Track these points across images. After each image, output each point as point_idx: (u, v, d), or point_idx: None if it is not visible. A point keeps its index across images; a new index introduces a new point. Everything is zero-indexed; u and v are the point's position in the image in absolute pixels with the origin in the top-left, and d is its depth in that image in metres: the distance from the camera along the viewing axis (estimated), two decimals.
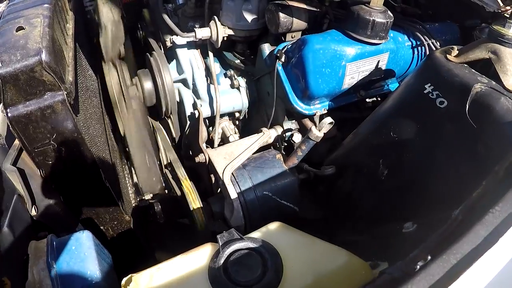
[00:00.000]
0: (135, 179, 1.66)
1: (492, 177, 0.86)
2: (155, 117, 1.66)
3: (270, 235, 0.89)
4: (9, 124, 0.98)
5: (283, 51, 1.35)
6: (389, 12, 1.32)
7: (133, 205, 1.54)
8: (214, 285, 0.80)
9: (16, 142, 1.13)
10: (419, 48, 1.48)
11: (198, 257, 0.86)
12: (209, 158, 1.33)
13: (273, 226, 0.92)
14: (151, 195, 1.60)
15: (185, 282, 0.82)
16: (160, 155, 1.61)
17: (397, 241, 1.14)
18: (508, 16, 1.51)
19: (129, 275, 0.82)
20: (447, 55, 1.18)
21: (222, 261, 0.80)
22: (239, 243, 0.83)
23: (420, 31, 1.47)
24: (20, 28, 0.95)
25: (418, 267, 0.56)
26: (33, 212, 1.11)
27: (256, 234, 0.90)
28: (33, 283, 0.88)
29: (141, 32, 1.74)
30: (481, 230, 0.64)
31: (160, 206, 1.55)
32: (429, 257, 0.57)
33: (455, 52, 1.18)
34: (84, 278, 0.92)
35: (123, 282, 0.82)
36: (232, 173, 1.31)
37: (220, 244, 0.84)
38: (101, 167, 1.13)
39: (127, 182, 1.60)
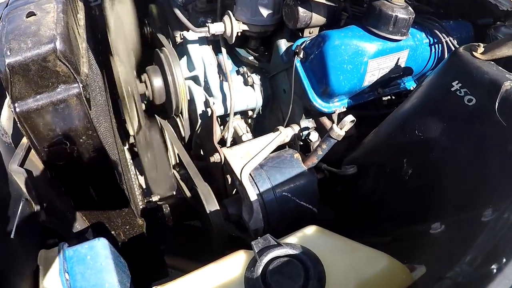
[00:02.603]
0: (141, 180, 1.58)
1: None
2: (163, 116, 1.59)
3: (308, 240, 0.84)
4: (16, 120, 0.90)
5: (301, 47, 1.30)
6: (410, 8, 1.29)
7: (141, 207, 1.47)
8: None
9: (24, 140, 1.05)
10: (437, 45, 1.45)
11: (232, 266, 0.80)
12: (225, 157, 1.27)
13: (310, 230, 0.87)
14: (159, 196, 1.53)
15: None
16: (168, 154, 1.54)
17: (425, 242, 1.10)
18: None
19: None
20: (473, 52, 1.15)
21: (260, 270, 0.74)
22: (278, 250, 0.77)
23: (438, 28, 1.44)
24: (31, 14, 0.86)
25: (494, 270, 0.51)
26: (42, 218, 1.02)
27: (292, 239, 0.85)
28: None
29: (148, 27, 1.67)
30: None
31: (168, 208, 1.49)
32: (504, 260, 0.52)
33: (481, 49, 1.15)
34: None
35: None
36: (250, 174, 1.25)
37: (256, 251, 0.78)
38: (115, 169, 1.06)
39: (134, 183, 1.53)
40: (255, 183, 1.24)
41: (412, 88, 1.53)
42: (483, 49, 1.16)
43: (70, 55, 0.85)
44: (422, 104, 1.19)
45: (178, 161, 1.53)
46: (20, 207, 0.97)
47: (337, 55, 1.23)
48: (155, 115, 1.61)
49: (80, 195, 1.08)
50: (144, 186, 1.61)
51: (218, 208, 1.23)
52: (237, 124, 1.53)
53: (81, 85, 0.87)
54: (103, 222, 1.16)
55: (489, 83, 1.05)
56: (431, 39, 1.44)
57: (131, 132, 1.44)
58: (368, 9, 1.28)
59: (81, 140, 0.95)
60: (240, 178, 1.22)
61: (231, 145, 1.53)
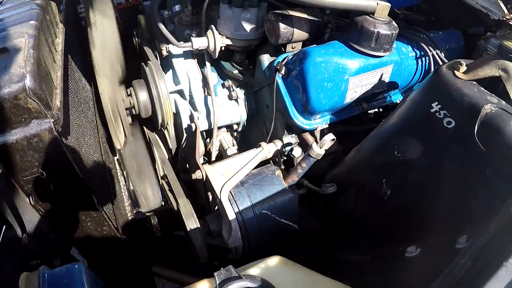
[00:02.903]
0: (131, 190, 1.57)
1: (501, 216, 0.78)
2: (152, 128, 1.57)
3: (270, 272, 0.82)
4: None
5: (283, 63, 1.26)
6: (393, 23, 1.23)
7: (129, 218, 1.46)
8: None
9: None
10: (423, 58, 1.39)
11: None
12: (206, 175, 1.24)
13: (273, 261, 0.85)
14: (148, 207, 1.52)
15: None
16: (156, 166, 1.52)
17: (399, 266, 1.07)
18: None
19: None
20: (455, 71, 1.09)
21: None
22: (238, 283, 0.75)
23: (424, 40, 1.38)
24: (3, 51, 0.85)
25: None
26: (24, 241, 1.02)
27: (255, 271, 0.83)
28: None
29: (136, 39, 1.63)
30: None
31: (156, 219, 1.48)
32: None
33: (463, 68, 1.10)
34: None
35: None
36: (230, 191, 1.23)
37: (218, 282, 0.76)
38: (93, 190, 1.05)
39: (123, 194, 1.52)
40: (234, 201, 1.22)
41: (398, 101, 1.48)
42: (466, 67, 1.11)
43: (40, 92, 0.84)
44: (402, 124, 1.14)
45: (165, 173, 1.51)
46: (2, 232, 0.96)
47: (317, 73, 1.18)
48: (144, 127, 1.59)
49: (60, 218, 1.07)
50: (136, 198, 1.60)
51: (198, 226, 1.21)
52: (223, 137, 1.50)
53: (52, 120, 0.87)
54: (84, 240, 1.15)
55: (469, 106, 1.00)
56: (418, 52, 1.38)
57: (117, 146, 1.43)
58: (350, 24, 1.23)
59: (56, 169, 0.95)
60: (219, 197, 1.20)
61: (217, 157, 1.51)
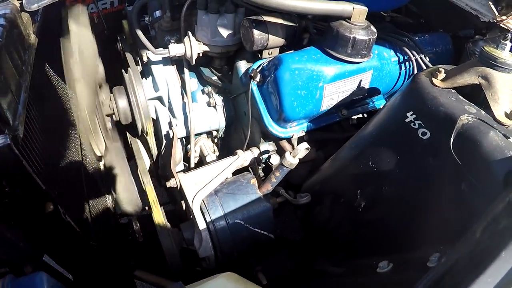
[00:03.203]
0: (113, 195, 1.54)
1: (468, 239, 0.71)
2: (135, 134, 1.53)
3: None
4: None
5: (257, 70, 1.19)
6: (372, 27, 1.15)
7: (109, 224, 1.43)
8: None
9: None
10: (407, 63, 1.31)
11: None
12: (180, 183, 1.20)
13: (223, 279, 0.79)
14: (130, 212, 1.48)
15: None
16: (138, 172, 1.48)
17: (372, 281, 1.00)
18: (504, 26, 1.33)
19: None
20: (433, 78, 1.01)
21: None
22: None
23: (408, 45, 1.29)
24: None
25: None
26: None
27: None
28: None
29: (120, 44, 1.59)
30: None
31: (138, 225, 1.45)
32: None
33: (441, 75, 1.01)
34: None
35: None
36: (202, 200, 1.18)
37: None
38: (61, 200, 1.01)
39: (107, 200, 1.49)
40: (207, 210, 1.17)
41: (381, 107, 1.40)
42: (444, 75, 1.03)
43: None
44: (376, 133, 1.07)
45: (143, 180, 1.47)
46: None
47: (290, 81, 1.12)
48: (127, 133, 1.55)
49: (29, 227, 1.04)
50: (118, 203, 1.56)
51: (170, 235, 1.17)
52: (203, 143, 1.45)
53: (10, 136, 0.83)
54: (55, 248, 1.12)
55: (445, 116, 0.92)
56: (401, 56, 1.30)
57: (98, 153, 1.39)
58: (327, 30, 1.15)
59: (19, 182, 0.91)
60: (191, 206, 1.15)
61: (198, 164, 1.46)
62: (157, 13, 1.45)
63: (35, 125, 1.03)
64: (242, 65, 1.27)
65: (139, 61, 1.50)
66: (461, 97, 0.96)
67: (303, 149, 1.11)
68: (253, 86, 1.20)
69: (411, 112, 0.99)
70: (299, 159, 1.13)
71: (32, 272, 1.10)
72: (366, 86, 1.24)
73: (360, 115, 1.39)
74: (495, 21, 1.35)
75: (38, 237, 1.09)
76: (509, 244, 0.66)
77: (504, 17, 1.34)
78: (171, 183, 1.22)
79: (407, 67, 1.31)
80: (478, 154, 0.87)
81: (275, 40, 1.21)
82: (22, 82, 0.95)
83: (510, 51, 0.94)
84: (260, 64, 1.21)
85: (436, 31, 1.57)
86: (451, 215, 0.92)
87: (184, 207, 1.30)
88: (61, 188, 1.11)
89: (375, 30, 1.15)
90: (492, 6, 1.39)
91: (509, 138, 0.85)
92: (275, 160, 1.30)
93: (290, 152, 1.11)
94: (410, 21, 1.59)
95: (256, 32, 1.17)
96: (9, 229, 1.04)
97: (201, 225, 1.12)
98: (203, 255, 1.14)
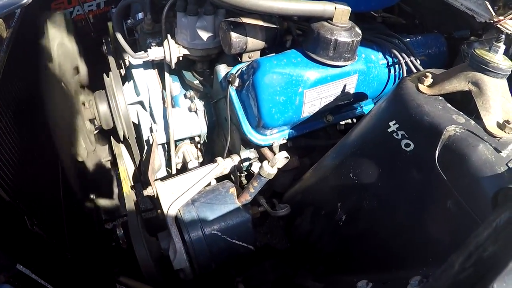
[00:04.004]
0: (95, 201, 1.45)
1: (446, 271, 0.59)
2: (119, 139, 1.44)
3: None
4: None
5: (236, 75, 1.08)
6: (356, 28, 1.02)
7: (87, 232, 1.35)
8: None
9: None
10: (397, 66, 1.18)
11: None
12: (156, 192, 1.10)
13: None
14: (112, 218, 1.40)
15: None
16: (122, 176, 1.39)
17: None
18: (501, 27, 1.19)
19: None
20: (419, 84, 0.88)
21: None
22: None
23: (398, 47, 1.16)
24: None
25: None
26: None
27: None
28: None
29: (104, 47, 1.50)
30: None
31: (122, 231, 1.36)
32: None
33: (428, 80, 0.89)
34: None
35: None
36: (178, 210, 1.08)
37: None
38: (31, 210, 0.93)
39: (89, 205, 1.41)
40: (183, 220, 1.07)
41: None
42: (432, 80, 0.90)
43: None
44: (358, 143, 0.94)
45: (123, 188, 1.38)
46: None
47: (268, 86, 1.01)
48: (111, 138, 1.46)
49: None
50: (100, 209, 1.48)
51: (144, 245, 1.08)
52: (186, 149, 1.35)
53: None
54: (30, 256, 1.04)
55: (429, 127, 0.79)
56: (390, 59, 1.17)
57: (79, 159, 1.31)
58: (308, 31, 1.03)
59: None
60: (166, 216, 1.06)
61: (179, 170, 1.36)
62: (140, 15, 1.35)
63: (6, 133, 0.95)
64: (222, 69, 1.16)
65: (122, 64, 1.40)
66: (449, 105, 0.84)
67: (281, 158, 1.00)
68: (232, 91, 1.10)
69: (394, 121, 0.86)
70: (279, 168, 1.02)
71: (5, 282, 1.02)
72: (352, 91, 1.12)
73: (349, 120, 1.27)
74: (492, 21, 1.21)
75: (7, 246, 1.01)
76: (499, 275, 0.54)
77: (501, 18, 1.20)
78: (147, 191, 1.13)
79: (397, 71, 1.18)
80: (465, 170, 0.75)
81: (255, 43, 1.10)
82: None
83: (504, 54, 0.80)
84: (239, 68, 1.11)
85: (430, 31, 1.43)
86: (435, 234, 0.80)
87: (162, 216, 1.20)
88: (33, 197, 1.02)
89: (359, 32, 1.02)
90: (489, 6, 1.24)
91: (501, 152, 0.73)
92: (256, 167, 1.20)
93: (268, 162, 1.00)
94: (403, 21, 1.45)
95: (234, 35, 1.06)
96: None
97: (176, 235, 1.03)
98: (177, 267, 1.05)
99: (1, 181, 0.88)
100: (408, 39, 1.23)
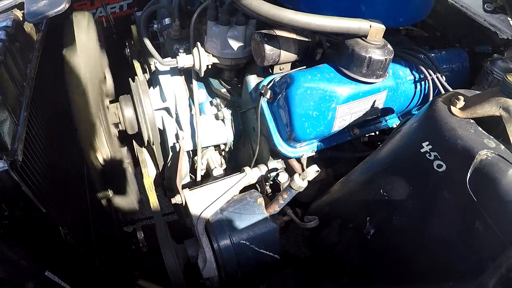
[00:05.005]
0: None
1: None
2: (142, 144, 1.49)
3: None
4: None
5: (268, 87, 1.14)
6: (389, 46, 1.09)
7: (112, 239, 1.40)
8: None
9: None
10: (423, 82, 1.25)
11: None
12: (185, 201, 1.16)
13: None
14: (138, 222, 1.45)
15: None
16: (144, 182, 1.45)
17: None
18: None
19: None
20: (452, 106, 0.95)
21: None
22: None
23: (425, 62, 1.23)
24: None
25: None
26: None
27: None
28: None
29: (128, 50, 1.54)
30: None
31: (142, 234, 1.42)
32: None
33: (460, 103, 0.96)
34: None
35: None
36: (208, 219, 1.14)
37: None
38: (63, 220, 0.98)
39: (110, 207, 1.46)
40: (212, 230, 1.13)
41: (395, 125, 1.34)
42: (464, 103, 0.97)
43: None
44: (389, 160, 1.02)
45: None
46: None
47: (303, 100, 1.07)
48: (134, 142, 1.51)
49: (31, 246, 1.01)
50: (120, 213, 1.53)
51: (173, 253, 1.14)
52: (210, 156, 1.40)
53: (8, 161, 0.79)
54: (57, 264, 1.10)
55: (462, 150, 0.87)
56: (417, 75, 1.24)
57: (101, 161, 1.35)
58: (341, 47, 1.09)
59: (18, 205, 0.88)
60: (195, 225, 1.12)
61: (203, 177, 1.42)
62: (166, 21, 1.40)
63: (37, 143, 1.00)
64: (252, 80, 1.22)
65: (147, 69, 1.45)
66: (480, 129, 0.91)
67: (312, 172, 1.07)
68: (263, 103, 1.16)
69: (427, 142, 0.93)
70: (308, 181, 1.08)
71: None
72: (380, 106, 1.19)
73: (372, 133, 1.34)
74: None
75: (39, 255, 1.06)
76: None
77: None
78: (176, 200, 1.18)
79: (423, 86, 1.25)
80: (495, 193, 0.82)
81: (287, 56, 1.16)
82: (22, 100, 0.92)
83: None
84: (271, 80, 1.17)
85: (452, 45, 1.50)
86: (463, 252, 0.88)
87: (189, 224, 1.26)
88: (64, 205, 1.08)
89: (392, 49, 1.09)
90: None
91: None
92: (283, 178, 1.26)
93: (299, 175, 1.07)
94: (425, 34, 1.52)
95: (267, 48, 1.12)
96: (10, 248, 1.01)
97: (206, 245, 1.10)
98: (206, 276, 1.12)
99: (37, 192, 0.93)
100: (433, 55, 1.30)
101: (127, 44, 1.55)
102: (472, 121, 0.93)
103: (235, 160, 1.45)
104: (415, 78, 1.24)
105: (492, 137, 0.89)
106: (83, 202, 1.22)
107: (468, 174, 0.85)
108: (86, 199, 1.24)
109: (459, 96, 0.97)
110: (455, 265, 0.88)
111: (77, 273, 1.12)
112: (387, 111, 1.23)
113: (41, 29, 1.15)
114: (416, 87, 1.25)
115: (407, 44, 1.40)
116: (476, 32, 1.38)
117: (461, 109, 0.96)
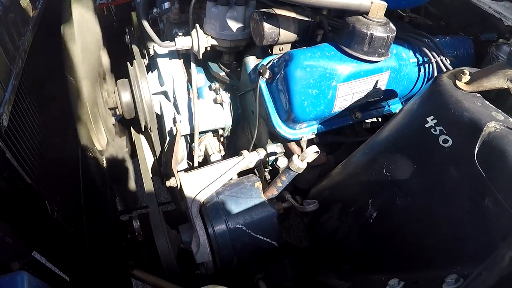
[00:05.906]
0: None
1: (496, 264, 0.60)
2: (139, 129, 1.45)
3: None
4: None
5: (267, 67, 1.10)
6: (391, 24, 1.05)
7: (107, 223, 1.36)
8: None
9: None
10: (427, 65, 1.20)
11: None
12: (180, 183, 1.11)
13: None
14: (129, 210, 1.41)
15: None
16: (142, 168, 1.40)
17: None
18: None
19: None
20: (457, 81, 0.91)
21: None
22: None
23: (429, 46, 1.19)
24: None
25: None
26: None
27: None
28: None
29: (127, 36, 1.52)
30: None
31: (138, 223, 1.37)
32: None
33: (466, 77, 0.91)
34: None
35: None
36: (203, 202, 1.09)
37: None
38: (51, 196, 0.94)
39: (107, 195, 1.41)
40: (207, 213, 1.08)
41: (398, 111, 1.29)
42: (469, 77, 0.92)
43: None
44: (392, 139, 0.97)
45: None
46: None
47: (301, 79, 1.03)
48: (131, 128, 1.47)
49: (18, 222, 0.97)
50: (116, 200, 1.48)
51: (166, 238, 1.09)
52: (208, 142, 1.36)
53: None
54: (44, 244, 1.05)
55: (469, 123, 0.82)
56: (420, 58, 1.20)
57: (98, 148, 1.32)
58: (342, 25, 1.06)
59: (3, 175, 0.84)
60: (189, 208, 1.07)
61: (201, 163, 1.37)
62: (166, 5, 1.38)
63: (28, 116, 0.96)
64: (251, 61, 1.19)
65: (146, 54, 1.42)
66: (487, 103, 0.86)
67: (312, 153, 1.02)
68: (262, 83, 1.12)
69: (432, 117, 0.88)
70: (308, 163, 1.03)
71: (20, 269, 1.03)
72: (383, 88, 1.14)
73: (375, 119, 1.29)
74: None
75: (26, 233, 1.01)
76: None
77: None
78: (171, 182, 1.14)
79: (427, 70, 1.21)
80: (505, 167, 0.76)
81: (287, 35, 1.12)
82: (13, 68, 0.88)
83: None
84: (270, 60, 1.13)
85: (456, 33, 1.46)
86: (472, 232, 0.82)
87: (183, 208, 1.21)
88: (54, 182, 1.03)
89: (394, 28, 1.05)
90: None
91: None
92: (282, 162, 1.22)
93: (298, 156, 1.02)
94: (429, 22, 1.48)
95: (266, 26, 1.08)
96: None
97: (200, 228, 1.04)
98: (200, 261, 1.06)
99: (23, 163, 0.89)
100: (437, 39, 1.25)
101: (127, 30, 1.53)
102: (478, 95, 0.88)
103: (233, 147, 1.40)
104: (418, 61, 1.20)
105: (500, 110, 0.84)
106: (76, 185, 1.18)
107: (476, 148, 0.80)
108: (79, 182, 1.20)
109: (464, 71, 0.92)
110: (464, 246, 0.82)
111: (66, 255, 1.07)
112: (389, 94, 1.19)
113: (38, 6, 1.14)
114: (420, 70, 1.20)
115: (410, 30, 1.36)
116: (480, 19, 1.34)
117: (467, 83, 0.91)
